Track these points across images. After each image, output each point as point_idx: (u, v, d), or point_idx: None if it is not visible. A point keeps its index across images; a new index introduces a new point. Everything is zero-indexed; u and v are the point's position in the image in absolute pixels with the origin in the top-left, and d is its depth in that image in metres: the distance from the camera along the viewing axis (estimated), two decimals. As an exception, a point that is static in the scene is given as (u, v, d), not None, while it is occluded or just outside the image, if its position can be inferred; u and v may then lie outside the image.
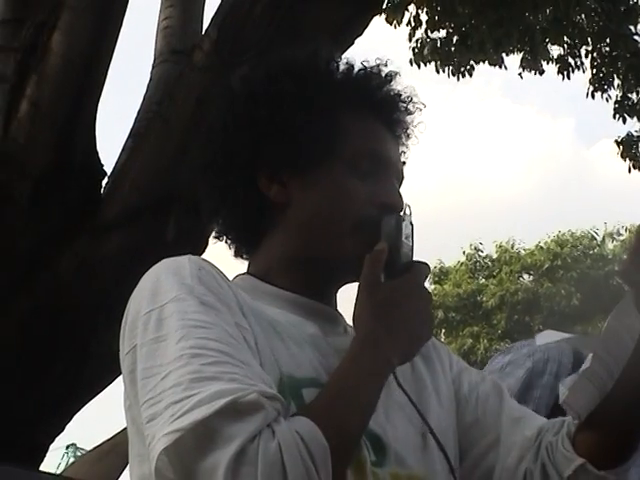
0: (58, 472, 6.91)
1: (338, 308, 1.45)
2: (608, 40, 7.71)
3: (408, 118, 1.48)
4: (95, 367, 3.83)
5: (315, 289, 1.39)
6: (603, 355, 1.31)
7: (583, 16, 7.65)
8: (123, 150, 4.29)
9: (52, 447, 4.09)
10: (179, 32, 4.91)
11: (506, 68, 7.68)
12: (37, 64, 3.90)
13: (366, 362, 1.24)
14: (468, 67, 7.58)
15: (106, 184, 4.10)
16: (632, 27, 7.58)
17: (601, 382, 1.31)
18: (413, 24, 7.60)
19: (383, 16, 7.26)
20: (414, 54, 7.64)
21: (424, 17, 7.55)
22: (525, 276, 22.60)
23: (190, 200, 3.68)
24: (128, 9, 4.18)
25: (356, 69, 1.45)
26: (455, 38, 7.39)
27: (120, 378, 1.30)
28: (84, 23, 3.95)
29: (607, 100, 7.88)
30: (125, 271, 3.61)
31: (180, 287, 1.24)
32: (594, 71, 7.85)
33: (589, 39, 7.76)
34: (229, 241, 1.48)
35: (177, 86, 4.08)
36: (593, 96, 7.89)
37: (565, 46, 7.83)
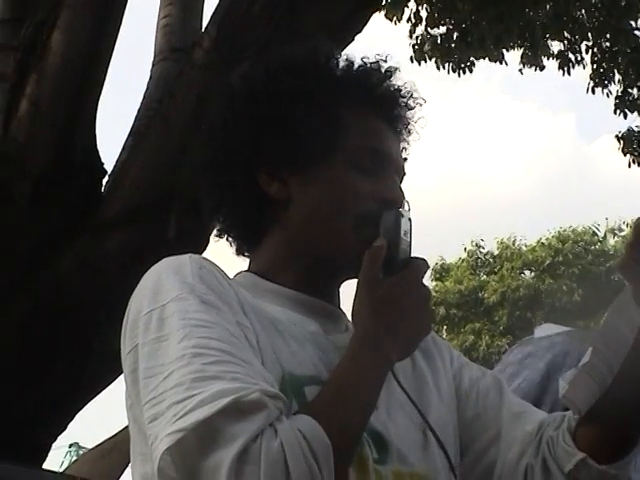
0: (60, 471, 6.91)
1: (341, 305, 1.45)
2: (608, 35, 7.71)
3: (409, 113, 1.48)
4: (96, 366, 3.83)
5: (316, 286, 1.39)
6: (602, 349, 1.31)
7: (583, 11, 7.64)
8: (123, 148, 4.29)
9: (54, 446, 4.11)
10: (179, 30, 4.91)
11: (506, 64, 7.68)
12: (37, 63, 3.91)
13: (366, 360, 1.24)
14: (468, 63, 7.57)
15: (106, 183, 4.11)
16: (632, 22, 7.58)
17: (601, 376, 1.31)
18: (413, 20, 7.60)
19: (382, 13, 7.26)
20: (414, 51, 7.64)
21: (424, 14, 7.55)
22: (526, 272, 22.59)
23: (191, 198, 3.69)
24: (127, 7, 4.19)
25: (356, 65, 1.45)
26: (455, 34, 7.39)
27: (121, 377, 1.30)
28: (83, 22, 3.96)
29: (608, 95, 7.88)
30: (126, 270, 3.61)
31: (181, 286, 1.24)
32: (594, 66, 7.84)
33: (589, 34, 7.75)
34: (230, 239, 1.48)
35: (177, 84, 4.08)
36: (594, 91, 7.89)
37: (565, 42, 7.83)
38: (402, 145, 1.49)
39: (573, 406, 1.35)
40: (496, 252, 23.22)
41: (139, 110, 4.53)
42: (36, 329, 3.75)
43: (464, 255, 23.28)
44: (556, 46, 7.88)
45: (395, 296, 1.29)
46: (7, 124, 3.87)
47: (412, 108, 1.48)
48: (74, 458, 18.78)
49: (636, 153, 7.94)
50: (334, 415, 1.17)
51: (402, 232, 1.34)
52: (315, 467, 1.10)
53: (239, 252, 1.48)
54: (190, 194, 3.68)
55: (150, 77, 4.74)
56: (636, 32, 7.60)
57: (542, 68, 7.91)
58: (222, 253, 1.52)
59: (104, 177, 4.10)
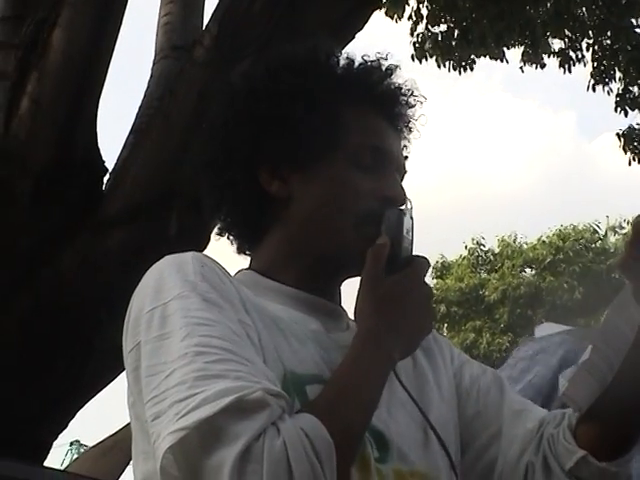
0: (62, 468, 6.92)
1: (342, 303, 1.45)
2: (609, 33, 7.70)
3: (409, 111, 1.48)
4: (98, 364, 3.83)
5: (317, 284, 1.39)
6: (602, 347, 1.31)
7: (584, 9, 7.64)
8: (124, 146, 4.29)
9: (56, 444, 4.11)
10: (179, 28, 4.91)
11: (507, 62, 7.68)
12: (38, 61, 3.91)
13: (368, 358, 1.24)
14: (469, 61, 7.57)
15: (107, 180, 4.11)
16: (633, 20, 7.57)
17: (601, 374, 1.32)
18: (414, 18, 7.59)
19: (383, 11, 7.25)
20: (415, 49, 7.64)
21: (425, 12, 7.54)
22: (527, 270, 22.59)
23: (192, 196, 3.69)
24: (128, 5, 4.19)
25: (356, 63, 1.45)
26: (456, 32, 7.39)
27: (122, 375, 1.31)
28: (84, 20, 3.96)
29: (608, 93, 7.87)
30: (127, 267, 3.61)
31: (183, 284, 1.24)
32: (595, 64, 7.84)
33: (590, 32, 7.75)
34: (231, 237, 1.48)
35: (178, 82, 4.08)
36: (594, 89, 7.88)
37: (566, 39, 7.82)
38: (403, 143, 1.49)
39: (573, 404, 1.36)
40: (497, 250, 23.21)
41: (140, 108, 4.53)
42: (37, 327, 3.76)
43: (465, 253, 23.28)
44: (557, 44, 7.88)
45: (397, 294, 1.29)
46: (8, 122, 3.87)
47: (413, 106, 1.48)
48: (75, 456, 18.80)
49: (637, 151, 7.93)
50: (336, 414, 1.17)
51: (404, 230, 1.34)
52: (318, 466, 1.10)
53: (240, 250, 1.48)
54: (191, 192, 3.68)
55: (151, 75, 4.74)
56: (637, 30, 7.59)
57: (543, 66, 7.91)
58: (222, 251, 1.53)
59: (105, 175, 4.10)
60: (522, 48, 7.69)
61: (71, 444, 21.54)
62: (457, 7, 7.17)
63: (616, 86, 7.86)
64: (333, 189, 1.38)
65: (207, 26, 4.13)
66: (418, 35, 7.62)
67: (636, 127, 8.05)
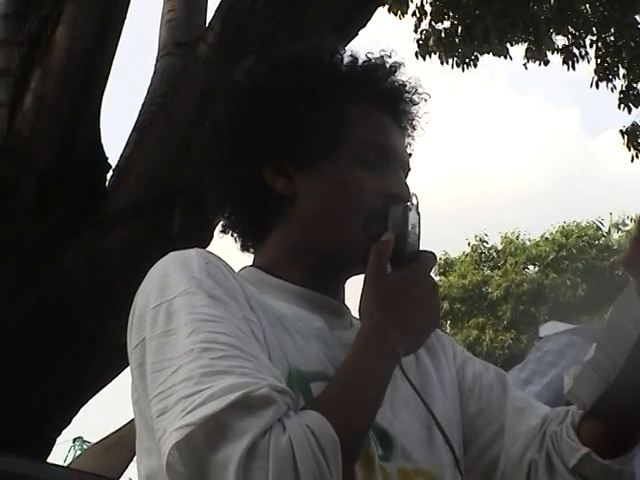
0: (65, 465, 6.93)
1: (346, 301, 1.45)
2: (613, 30, 7.70)
3: (413, 109, 1.48)
4: (101, 361, 3.83)
5: (321, 282, 1.39)
6: (607, 345, 1.31)
7: (587, 6, 7.64)
8: (127, 143, 4.29)
9: (59, 440, 4.11)
10: (183, 25, 4.90)
11: (511, 58, 7.68)
12: (41, 58, 3.91)
13: (372, 355, 1.24)
14: (472, 57, 7.57)
15: (111, 177, 4.11)
16: (637, 16, 7.57)
17: (605, 372, 1.31)
18: (418, 15, 7.59)
19: (386, 7, 7.25)
20: (419, 46, 7.64)
21: (429, 8, 7.54)
22: (530, 267, 22.57)
23: (195, 193, 3.69)
24: (131, 2, 4.19)
25: (360, 61, 1.45)
26: (460, 29, 7.38)
27: (126, 371, 1.31)
28: (88, 16, 3.96)
29: (612, 90, 7.87)
30: (130, 265, 3.62)
31: (189, 280, 1.24)
32: (599, 61, 7.84)
33: (594, 29, 7.75)
34: (235, 235, 1.48)
35: (181, 79, 4.08)
36: (598, 86, 7.88)
37: (570, 36, 7.82)
38: (407, 141, 1.49)
39: (577, 401, 1.36)
40: (500, 247, 23.20)
41: (143, 105, 4.53)
42: (40, 324, 3.76)
43: (468, 250, 23.27)
44: (560, 40, 7.89)
45: (402, 289, 1.30)
46: (12, 119, 3.88)
47: (417, 103, 1.48)
48: (78, 452, 18.82)
49: (640, 148, 7.93)
50: (340, 411, 1.17)
51: (410, 226, 1.34)
52: (323, 463, 1.10)
53: (244, 248, 1.48)
54: (194, 189, 3.68)
55: (154, 72, 4.74)
56: (640, 26, 7.59)
57: (546, 62, 7.91)
58: (225, 248, 1.53)
59: (108, 172, 4.10)
60: (526, 45, 7.69)
61: (74, 440, 21.54)
62: (461, 3, 7.17)
63: (620, 83, 7.87)
64: (338, 187, 1.38)
65: (210, 23, 4.13)
66: (422, 32, 7.62)
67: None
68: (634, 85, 7.79)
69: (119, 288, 3.59)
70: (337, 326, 1.38)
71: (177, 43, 4.78)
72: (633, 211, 21.62)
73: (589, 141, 48.84)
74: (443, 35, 7.50)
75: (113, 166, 4.13)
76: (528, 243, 22.90)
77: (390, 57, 1.46)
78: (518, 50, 7.78)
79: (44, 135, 3.88)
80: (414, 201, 1.38)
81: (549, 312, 20.19)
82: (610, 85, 7.86)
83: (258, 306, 1.28)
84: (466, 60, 7.59)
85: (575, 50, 7.88)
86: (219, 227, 1.50)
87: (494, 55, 7.61)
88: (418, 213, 1.37)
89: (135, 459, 1.32)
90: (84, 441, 20.85)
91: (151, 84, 4.65)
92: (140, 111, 4.50)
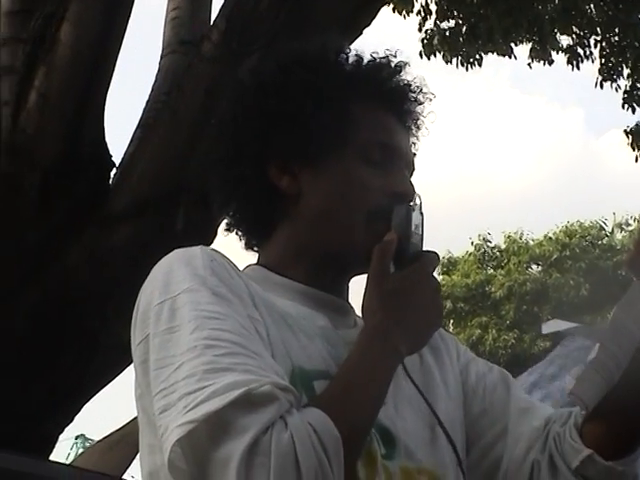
0: (67, 462, 6.94)
1: (350, 300, 1.45)
2: (617, 30, 7.69)
3: (418, 108, 1.48)
4: (104, 358, 3.83)
5: (325, 280, 1.39)
6: (610, 345, 1.30)
7: (592, 6, 7.63)
8: (132, 141, 4.29)
9: (61, 438, 4.11)
10: (187, 23, 4.90)
11: (515, 58, 7.67)
12: (46, 55, 3.91)
13: (374, 354, 1.24)
14: (477, 57, 7.56)
15: (115, 175, 4.11)
16: (641, 17, 7.56)
17: (608, 373, 1.31)
18: (423, 14, 7.59)
19: (391, 7, 7.25)
20: (423, 45, 7.64)
21: (433, 7, 7.54)
22: (534, 266, 22.57)
23: (199, 191, 3.69)
24: (136, 0, 4.19)
25: (365, 60, 1.45)
26: (464, 28, 7.38)
27: (128, 369, 1.31)
28: (92, 14, 3.95)
29: (616, 90, 7.86)
30: (133, 262, 3.62)
31: (193, 278, 1.24)
32: (603, 61, 7.83)
33: (598, 29, 7.74)
34: (240, 233, 1.48)
35: (185, 77, 4.07)
36: (602, 86, 7.87)
37: (574, 36, 7.81)
38: (411, 140, 1.49)
39: (580, 402, 1.35)
40: (503, 246, 23.19)
41: (147, 103, 4.53)
42: (44, 321, 3.76)
43: (471, 249, 23.26)
44: (565, 40, 7.88)
45: (405, 289, 1.29)
46: (16, 116, 3.87)
47: (422, 103, 1.48)
48: (80, 450, 18.84)
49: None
50: (343, 409, 1.17)
51: (413, 226, 1.34)
52: (325, 460, 1.10)
53: (248, 246, 1.48)
54: (198, 187, 3.68)
55: (158, 70, 4.74)
56: (645, 26, 7.58)
57: (551, 62, 7.90)
58: (228, 246, 1.53)
59: (112, 169, 4.10)
60: (530, 44, 7.68)
61: (76, 438, 21.58)
62: (465, 2, 7.16)
63: (624, 83, 7.86)
64: (343, 185, 1.38)
65: (215, 21, 4.12)
66: (426, 31, 7.62)
67: (644, 124, 8.04)
68: (638, 85, 7.78)
69: (123, 286, 3.59)
70: (341, 325, 1.38)
71: (181, 41, 4.78)
72: (636, 211, 21.65)
73: (593, 141, 48.85)
74: (447, 34, 7.50)
75: (117, 164, 4.13)
76: (531, 243, 22.89)
77: (395, 57, 1.46)
78: (522, 50, 7.78)
79: (48, 133, 3.88)
80: (417, 201, 1.38)
81: (552, 312, 20.19)
82: (614, 85, 7.85)
83: (262, 304, 1.28)
84: (470, 59, 7.58)
85: (579, 50, 7.87)
86: (223, 225, 1.50)
87: (498, 54, 7.60)
88: (421, 213, 1.37)
89: (138, 456, 1.32)
90: (87, 439, 20.89)
91: (155, 82, 4.65)
92: (144, 109, 4.50)
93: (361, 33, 4.20)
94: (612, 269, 20.57)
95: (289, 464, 1.08)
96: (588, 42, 7.85)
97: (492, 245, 23.38)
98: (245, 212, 1.45)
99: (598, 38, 7.79)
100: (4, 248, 3.77)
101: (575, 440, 1.35)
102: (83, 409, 4.10)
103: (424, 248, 1.36)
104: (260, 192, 1.41)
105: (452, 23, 7.51)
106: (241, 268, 1.38)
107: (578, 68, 7.90)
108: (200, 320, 1.19)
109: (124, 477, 4.69)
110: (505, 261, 22.67)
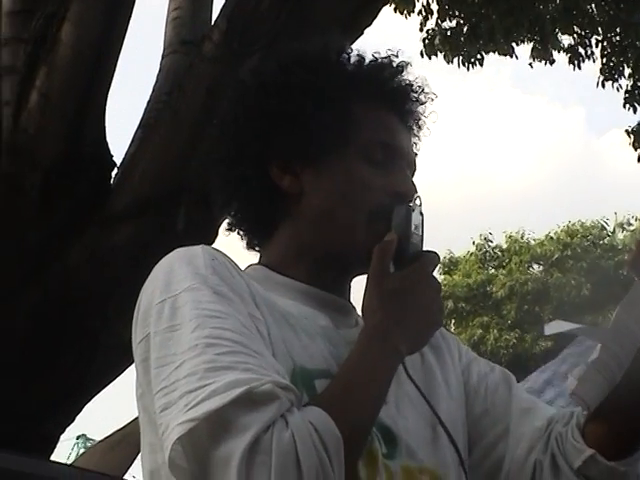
0: (68, 462, 6.94)
1: (351, 300, 1.45)
2: (618, 29, 7.69)
3: (420, 109, 1.48)
4: (105, 358, 3.84)
5: (327, 280, 1.40)
6: (612, 346, 1.30)
7: (593, 5, 7.63)
8: (133, 141, 4.30)
9: (62, 438, 4.11)
10: (189, 23, 4.91)
11: (517, 57, 7.67)
12: (47, 55, 3.91)
13: (375, 353, 1.24)
14: (478, 57, 7.56)
15: (116, 175, 4.11)
16: (643, 16, 7.55)
17: (610, 373, 1.31)
18: (424, 14, 7.59)
19: (392, 7, 7.25)
20: (424, 45, 7.63)
21: (434, 7, 7.54)
22: (535, 266, 22.56)
23: (200, 191, 3.69)
24: (137, 0, 4.19)
25: (367, 60, 1.45)
26: (465, 28, 7.38)
27: (129, 368, 1.31)
28: (94, 14, 3.96)
29: (618, 89, 7.86)
30: (135, 262, 3.62)
31: (194, 277, 1.24)
32: (604, 60, 7.83)
33: (599, 28, 7.73)
34: (241, 233, 1.48)
35: (187, 77, 4.07)
36: (603, 85, 7.87)
37: (575, 36, 7.81)
38: (413, 140, 1.49)
39: (582, 402, 1.35)
40: (504, 246, 23.19)
41: (148, 103, 4.53)
42: (45, 321, 3.76)
43: (473, 249, 23.26)
44: (566, 40, 7.88)
45: (405, 288, 1.29)
46: (17, 116, 3.88)
47: (423, 103, 1.48)
48: (82, 450, 18.85)
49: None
50: (343, 408, 1.17)
51: (413, 226, 1.35)
52: (326, 459, 1.10)
53: (250, 246, 1.48)
54: (199, 187, 3.68)
55: (159, 70, 4.74)
56: (646, 26, 7.57)
57: (552, 62, 7.90)
58: (229, 245, 1.53)
59: (113, 169, 4.10)
60: (531, 44, 7.68)
61: (78, 438, 21.59)
62: (466, 2, 7.16)
63: (625, 82, 7.85)
64: (344, 184, 1.38)
65: (216, 21, 4.13)
66: (428, 31, 7.62)
67: (645, 123, 8.03)
68: (639, 85, 7.78)
69: (123, 286, 3.59)
70: (342, 324, 1.38)
71: (183, 41, 4.78)
72: (638, 211, 21.67)
73: (594, 141, 48.85)
74: (449, 34, 7.50)
75: (118, 164, 4.13)
76: (533, 242, 22.89)
77: (397, 56, 1.46)
78: (524, 49, 7.79)
79: (49, 133, 3.88)
80: (417, 202, 1.38)
81: (553, 311, 20.19)
82: (616, 85, 7.85)
83: (263, 303, 1.28)
84: (472, 59, 7.58)
85: (581, 49, 7.87)
86: (224, 225, 1.50)
87: (500, 54, 7.60)
88: (421, 214, 1.37)
89: (140, 454, 1.33)
90: (88, 439, 20.90)
91: (156, 82, 4.65)
92: (145, 109, 4.50)
93: (362, 33, 4.20)
94: (614, 269, 20.57)
95: (290, 463, 1.08)
96: (589, 42, 7.85)
97: (493, 245, 23.39)
98: (246, 212, 1.45)
99: (599, 38, 7.79)
100: (5, 248, 3.78)
101: (577, 440, 1.35)
102: (84, 409, 4.10)
103: (424, 248, 1.36)
104: (261, 192, 1.41)
105: (453, 23, 7.51)
106: (243, 268, 1.39)
107: (579, 68, 7.90)
108: (201, 319, 1.19)
109: (125, 477, 4.70)
110: (506, 261, 22.66)
